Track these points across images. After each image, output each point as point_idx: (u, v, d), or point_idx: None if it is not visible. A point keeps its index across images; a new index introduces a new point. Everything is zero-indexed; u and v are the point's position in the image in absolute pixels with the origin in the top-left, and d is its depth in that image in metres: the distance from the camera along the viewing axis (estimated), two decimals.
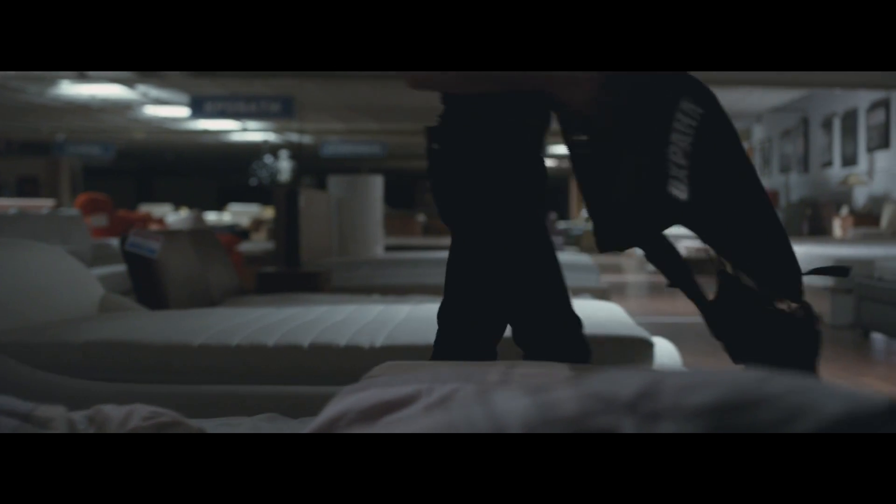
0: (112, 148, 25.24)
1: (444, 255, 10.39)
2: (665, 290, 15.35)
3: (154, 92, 17.80)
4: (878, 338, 9.32)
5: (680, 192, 3.02)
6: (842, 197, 17.83)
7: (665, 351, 4.88)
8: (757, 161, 24.25)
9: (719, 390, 1.23)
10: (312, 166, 32.86)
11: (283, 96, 15.62)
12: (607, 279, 17.71)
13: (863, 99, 16.80)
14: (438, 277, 8.91)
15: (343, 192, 10.89)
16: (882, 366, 8.00)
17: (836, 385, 1.26)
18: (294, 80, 15.75)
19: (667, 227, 3.17)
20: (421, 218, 18.48)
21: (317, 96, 18.65)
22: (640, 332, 3.88)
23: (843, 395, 1.22)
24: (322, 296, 7.31)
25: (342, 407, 1.97)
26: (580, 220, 33.82)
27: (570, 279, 8.86)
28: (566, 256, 9.77)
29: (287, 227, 8.90)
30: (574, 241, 32.79)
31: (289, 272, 8.52)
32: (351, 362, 3.84)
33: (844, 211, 16.79)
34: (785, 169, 21.78)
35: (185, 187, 40.50)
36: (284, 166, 26.17)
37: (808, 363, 3.20)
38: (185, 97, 16.69)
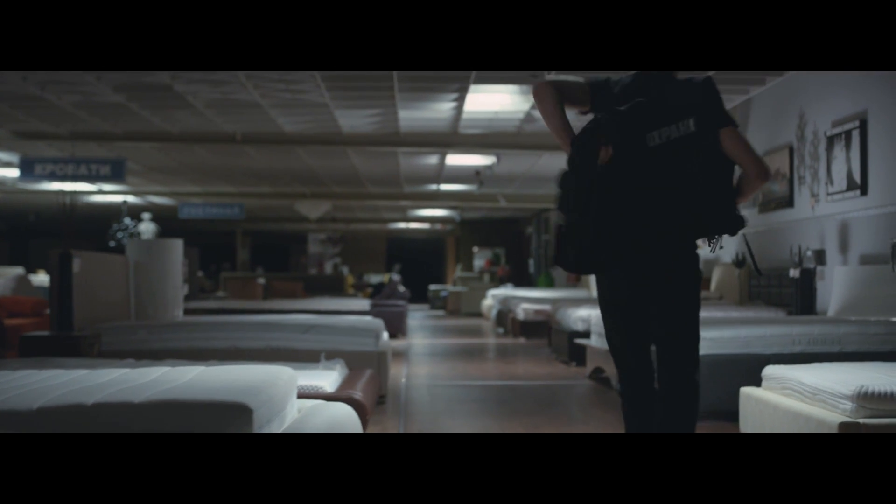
0: None
1: (237, 318, 10.13)
2: (505, 355, 15.39)
3: None
4: None
5: None
6: None
7: (338, 415, 4.93)
8: None
9: None
10: (178, 228, 32.62)
11: (113, 159, 15.51)
12: (458, 341, 17.80)
13: None
14: (205, 342, 8.84)
15: (140, 256, 10.81)
16: None
17: None
18: (129, 142, 15.69)
19: None
20: (261, 281, 18.41)
21: (156, 159, 18.59)
22: (242, 398, 3.88)
23: None
24: (72, 360, 7.25)
25: None
26: (451, 284, 34.00)
27: (347, 343, 8.87)
28: (353, 320, 9.80)
29: (59, 291, 8.81)
30: (442, 303, 32.93)
31: (50, 336, 8.43)
32: None
33: None
34: None
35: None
36: (146, 228, 25.94)
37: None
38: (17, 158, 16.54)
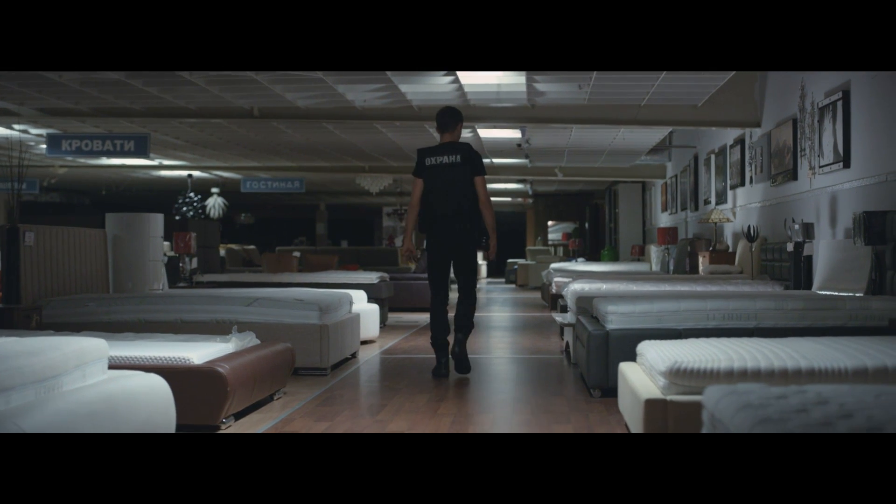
0: (35, 183, 25.58)
1: (185, 291, 10.27)
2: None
3: (33, 129, 18.01)
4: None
5: None
6: (716, 233, 17.84)
7: (130, 386, 5.05)
8: (667, 198, 24.30)
9: None
10: (252, 203, 33.07)
11: (137, 135, 15.80)
12: (485, 314, 17.75)
13: (731, 136, 16.86)
14: (152, 315, 9.00)
15: (119, 231, 11.04)
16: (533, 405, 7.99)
17: None
18: (154, 119, 15.94)
19: None
20: (296, 254, 18.63)
21: (193, 135, 18.86)
22: None
23: None
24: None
25: None
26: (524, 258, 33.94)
27: (289, 315, 8.99)
28: (298, 292, 9.90)
29: (7, 264, 9.07)
30: (514, 276, 32.90)
31: None
32: None
33: (710, 248, 16.80)
34: (684, 206, 21.77)
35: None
36: (213, 203, 26.39)
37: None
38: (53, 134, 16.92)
